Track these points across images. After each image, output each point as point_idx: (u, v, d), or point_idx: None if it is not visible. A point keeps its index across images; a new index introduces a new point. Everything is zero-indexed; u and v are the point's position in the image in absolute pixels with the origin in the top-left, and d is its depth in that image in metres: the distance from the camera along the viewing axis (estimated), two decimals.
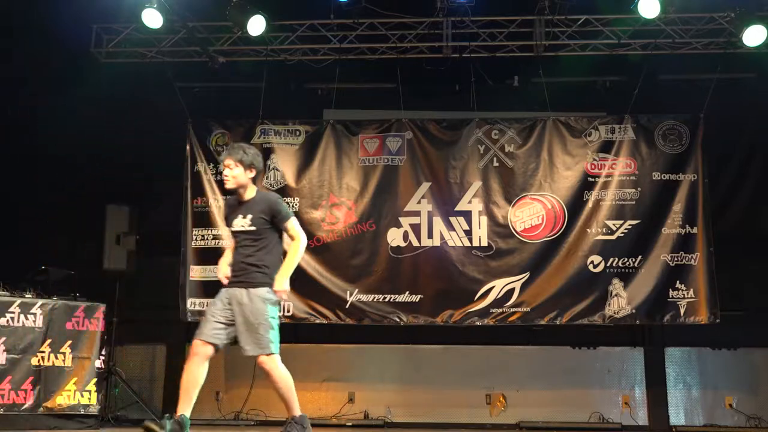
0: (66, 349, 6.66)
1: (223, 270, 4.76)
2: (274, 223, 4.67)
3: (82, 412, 6.68)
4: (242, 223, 4.66)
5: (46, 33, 7.34)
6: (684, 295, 7.41)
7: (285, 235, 4.76)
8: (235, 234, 4.73)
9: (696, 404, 7.96)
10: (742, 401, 7.86)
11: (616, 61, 7.73)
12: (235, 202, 4.80)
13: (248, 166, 4.68)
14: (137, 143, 8.28)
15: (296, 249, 4.66)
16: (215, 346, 4.57)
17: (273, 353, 4.54)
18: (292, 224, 4.70)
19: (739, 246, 7.80)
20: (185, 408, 4.52)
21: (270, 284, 4.58)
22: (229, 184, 4.72)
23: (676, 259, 7.49)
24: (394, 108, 7.91)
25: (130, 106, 8.25)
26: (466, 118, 7.91)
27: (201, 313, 7.69)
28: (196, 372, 4.53)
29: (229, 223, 4.79)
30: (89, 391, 6.72)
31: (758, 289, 7.94)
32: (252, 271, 4.60)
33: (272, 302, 4.60)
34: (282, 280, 4.59)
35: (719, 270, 7.42)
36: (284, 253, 4.73)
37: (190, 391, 4.53)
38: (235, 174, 4.67)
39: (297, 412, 4.62)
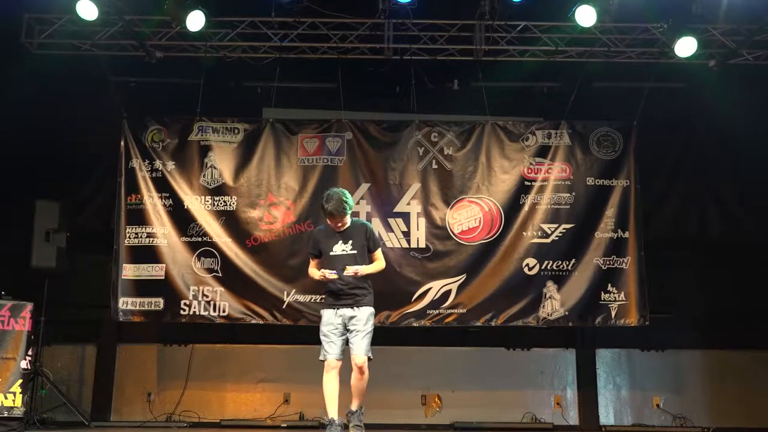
0: None
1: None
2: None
3: (6, 415, 6.41)
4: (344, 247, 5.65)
5: None
6: (615, 297, 7.56)
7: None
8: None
9: (625, 404, 8.17)
10: (669, 401, 8.10)
11: (554, 68, 7.85)
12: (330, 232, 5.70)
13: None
14: (70, 137, 8.07)
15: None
16: None
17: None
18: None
19: (668, 250, 8.02)
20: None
21: None
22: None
23: (608, 262, 7.63)
24: (334, 108, 7.88)
25: (63, 99, 8.00)
26: (406, 120, 7.93)
27: (133, 313, 7.55)
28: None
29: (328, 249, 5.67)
30: (14, 393, 6.47)
31: (686, 293, 8.19)
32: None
33: None
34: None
35: (649, 273, 7.58)
36: None
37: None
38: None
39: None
